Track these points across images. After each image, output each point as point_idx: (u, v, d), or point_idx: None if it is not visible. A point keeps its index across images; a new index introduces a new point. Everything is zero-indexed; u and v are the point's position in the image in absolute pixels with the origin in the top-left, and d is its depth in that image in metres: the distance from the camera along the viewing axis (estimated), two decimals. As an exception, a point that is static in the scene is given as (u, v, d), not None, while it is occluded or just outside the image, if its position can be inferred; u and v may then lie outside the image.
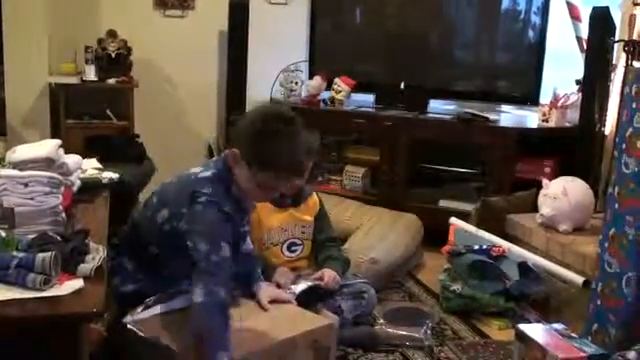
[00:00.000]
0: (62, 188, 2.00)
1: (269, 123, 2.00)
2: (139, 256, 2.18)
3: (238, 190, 2.06)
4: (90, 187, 2.38)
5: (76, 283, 1.62)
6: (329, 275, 2.64)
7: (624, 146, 2.40)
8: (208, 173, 2.05)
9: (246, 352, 1.87)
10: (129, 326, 1.91)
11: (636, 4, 3.36)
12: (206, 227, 1.96)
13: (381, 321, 2.76)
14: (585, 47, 3.76)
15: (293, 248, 2.79)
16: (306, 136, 2.10)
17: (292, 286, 2.55)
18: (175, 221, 2.05)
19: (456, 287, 3.02)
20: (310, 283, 2.59)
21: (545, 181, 3.28)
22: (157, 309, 2.01)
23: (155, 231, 2.12)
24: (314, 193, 2.90)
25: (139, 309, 1.99)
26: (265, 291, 2.25)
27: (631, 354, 2.19)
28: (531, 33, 3.99)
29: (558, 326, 2.43)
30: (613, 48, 3.49)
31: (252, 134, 1.99)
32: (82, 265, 1.67)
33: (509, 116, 4.19)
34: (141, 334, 1.89)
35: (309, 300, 2.58)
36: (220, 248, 1.94)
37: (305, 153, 2.11)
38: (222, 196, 2.01)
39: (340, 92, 4.20)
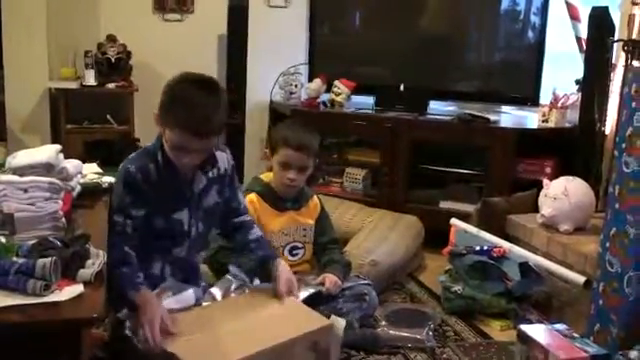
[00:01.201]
0: (62, 193, 2.00)
1: (181, 84, 2.10)
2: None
3: (164, 159, 2.12)
4: (90, 192, 2.39)
5: (76, 288, 1.62)
6: (330, 280, 2.64)
7: (624, 145, 2.40)
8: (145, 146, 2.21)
9: (243, 356, 1.86)
10: (127, 332, 1.90)
11: (635, 4, 3.36)
12: (115, 189, 2.10)
13: (383, 323, 2.76)
14: (584, 47, 3.76)
15: (294, 252, 2.79)
16: (212, 103, 2.09)
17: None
18: None
19: (457, 288, 3.02)
20: (312, 290, 2.59)
21: (546, 181, 3.28)
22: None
23: None
24: (314, 196, 2.89)
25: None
26: (284, 280, 2.26)
27: (633, 353, 2.19)
28: (531, 33, 3.99)
29: (560, 326, 2.43)
30: (612, 48, 3.49)
31: (165, 98, 2.08)
32: (82, 270, 1.67)
33: (509, 117, 4.19)
34: (139, 345, 1.88)
35: (312, 304, 2.58)
36: (117, 211, 2.06)
37: (203, 115, 2.05)
38: (141, 159, 2.12)
39: (340, 94, 4.20)
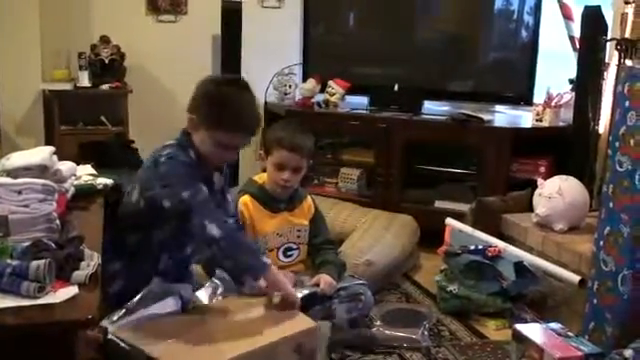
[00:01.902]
0: (56, 195, 1.99)
1: (222, 91, 2.23)
2: (121, 252, 2.23)
3: (196, 155, 2.21)
4: (85, 193, 2.37)
5: (71, 290, 1.61)
6: (325, 281, 2.64)
7: (618, 144, 2.41)
8: (167, 143, 2.24)
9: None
10: (109, 336, 1.90)
11: (627, 2, 3.37)
12: (177, 177, 2.11)
13: (378, 323, 2.76)
14: (578, 46, 3.77)
15: (289, 253, 2.79)
16: (253, 101, 2.30)
17: None
18: (146, 191, 2.19)
19: (452, 288, 3.03)
20: (306, 291, 2.58)
21: (540, 180, 3.29)
22: (138, 314, 2.00)
23: (130, 214, 2.26)
24: (308, 196, 2.89)
25: (118, 314, 1.99)
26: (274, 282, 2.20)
27: (628, 352, 2.19)
28: (524, 33, 4.00)
29: (555, 325, 2.44)
30: (605, 47, 3.50)
31: (209, 103, 2.20)
32: (77, 272, 1.67)
33: (503, 116, 4.19)
34: (122, 345, 1.88)
35: (306, 305, 2.58)
36: (200, 189, 2.09)
37: (253, 114, 2.27)
38: (182, 155, 2.18)
39: (334, 94, 4.20)
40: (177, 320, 2.02)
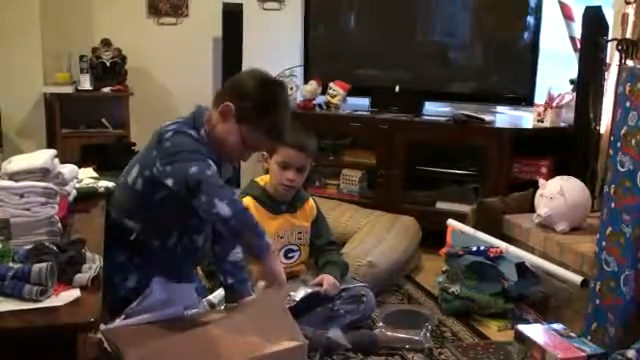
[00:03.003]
0: (58, 198, 1.99)
1: (272, 92, 2.16)
2: (124, 244, 2.17)
3: (208, 138, 2.12)
4: (86, 196, 2.38)
5: (73, 293, 1.61)
6: (328, 281, 2.64)
7: (619, 144, 2.41)
8: (173, 120, 2.16)
9: None
10: (98, 335, 1.89)
11: (628, 2, 3.37)
12: (185, 152, 2.02)
13: (380, 324, 2.76)
14: (579, 46, 3.77)
15: (290, 255, 2.79)
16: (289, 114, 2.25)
17: (292, 293, 2.55)
18: (146, 170, 2.11)
19: (454, 289, 3.02)
20: (309, 290, 2.59)
21: (541, 181, 3.29)
22: (138, 319, 1.99)
23: (128, 199, 2.19)
24: (310, 198, 2.90)
25: (119, 319, 1.99)
26: (271, 266, 2.10)
27: (630, 352, 2.20)
28: (525, 33, 3.99)
29: (557, 326, 2.44)
30: (606, 47, 3.50)
31: (256, 99, 2.10)
32: (78, 275, 1.67)
33: (504, 117, 4.19)
34: (105, 345, 1.87)
35: (308, 305, 2.59)
36: (209, 164, 2.01)
37: (287, 127, 2.23)
38: (190, 131, 2.10)
39: (335, 96, 4.20)
40: (169, 327, 1.99)
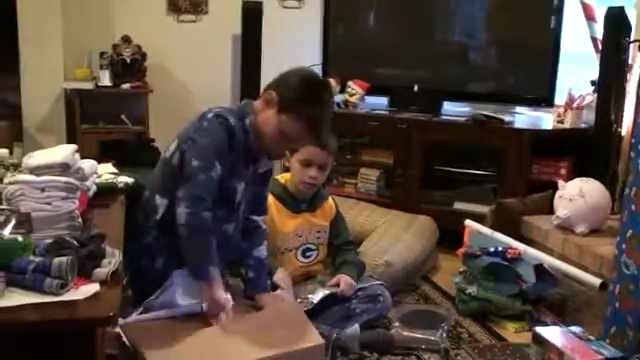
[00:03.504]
0: (78, 193, 2.01)
1: (317, 87, 2.17)
2: (152, 224, 2.21)
3: (251, 128, 2.15)
4: (106, 192, 2.39)
5: (92, 287, 1.62)
6: (345, 282, 2.64)
7: (640, 147, 2.38)
8: (224, 106, 2.22)
9: None
10: (117, 329, 1.91)
11: (651, 4, 3.34)
12: (205, 140, 2.07)
13: (396, 324, 2.75)
14: (600, 48, 3.74)
15: (308, 254, 2.79)
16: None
17: (309, 295, 2.56)
18: (184, 144, 2.14)
19: (471, 289, 3.01)
20: (327, 292, 2.59)
21: (561, 182, 3.26)
22: (153, 315, 2.00)
23: (164, 172, 2.21)
24: (330, 198, 2.90)
25: (137, 311, 1.99)
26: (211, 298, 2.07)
27: (650, 356, 2.17)
28: (546, 34, 3.96)
29: (575, 329, 2.42)
30: (629, 48, 3.47)
31: (300, 90, 2.12)
32: (98, 269, 1.68)
33: (524, 117, 4.17)
34: (124, 339, 1.88)
35: (326, 305, 2.58)
36: (212, 166, 2.05)
37: (329, 129, 2.26)
38: (233, 117, 2.13)
39: (354, 95, 4.20)
40: (187, 323, 1.99)
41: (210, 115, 2.12)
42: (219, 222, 2.17)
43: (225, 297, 2.05)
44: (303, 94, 2.12)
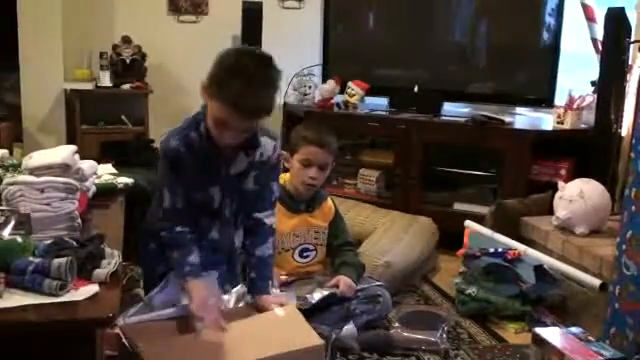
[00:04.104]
0: (78, 194, 2.01)
1: (232, 60, 1.98)
2: (155, 232, 2.21)
3: (205, 129, 2.07)
4: (105, 192, 2.39)
5: (92, 288, 1.63)
6: (345, 282, 2.64)
7: (641, 147, 2.38)
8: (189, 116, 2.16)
9: None
10: (117, 330, 1.91)
11: (652, 4, 3.34)
12: (159, 164, 2.15)
13: (396, 325, 2.75)
14: (600, 48, 3.74)
15: (305, 254, 2.79)
16: (267, 83, 2.00)
17: (307, 295, 2.55)
18: None
19: (471, 290, 3.01)
20: (326, 292, 2.59)
21: (561, 183, 3.26)
22: (153, 315, 2.00)
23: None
24: (329, 198, 2.89)
25: (135, 308, 2.00)
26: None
27: (650, 358, 2.17)
28: (546, 35, 3.97)
29: (575, 330, 2.42)
30: (629, 49, 3.46)
31: (215, 69, 1.98)
32: (97, 270, 1.68)
33: (524, 118, 4.17)
34: (122, 340, 1.88)
35: (325, 305, 2.58)
36: (162, 198, 2.10)
37: (256, 94, 1.96)
38: (183, 131, 2.10)
39: (354, 95, 4.20)
40: (186, 324, 1.98)
41: (163, 137, 2.14)
42: (204, 231, 2.20)
43: (203, 307, 2.00)
44: (217, 71, 1.97)
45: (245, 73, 1.94)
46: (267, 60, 2.01)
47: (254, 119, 2.02)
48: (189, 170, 2.09)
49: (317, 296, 2.55)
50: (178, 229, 2.09)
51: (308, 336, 2.04)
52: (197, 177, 2.11)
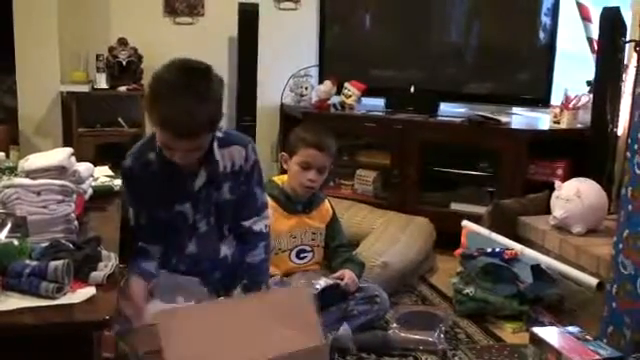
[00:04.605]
0: (74, 196, 2.01)
1: (160, 73, 1.96)
2: None
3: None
4: (102, 195, 2.39)
5: (88, 291, 1.62)
6: (349, 276, 2.65)
7: (636, 147, 2.38)
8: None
9: None
10: (113, 333, 1.91)
11: (647, 3, 3.35)
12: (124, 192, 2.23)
13: (394, 325, 2.75)
14: (596, 48, 3.74)
15: (302, 255, 2.79)
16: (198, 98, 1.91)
17: (313, 281, 2.55)
18: None
19: (469, 290, 3.01)
20: (331, 281, 2.59)
21: (558, 183, 3.27)
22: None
23: None
24: (326, 200, 2.90)
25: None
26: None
27: (647, 356, 2.17)
28: (542, 34, 3.97)
29: (573, 329, 2.42)
30: (624, 48, 3.47)
31: (148, 86, 1.98)
32: (94, 273, 1.68)
33: (520, 118, 4.17)
34: (120, 343, 1.88)
35: (324, 302, 2.58)
36: (127, 204, 2.20)
37: (185, 112, 1.88)
38: (140, 150, 2.15)
39: (350, 96, 4.20)
40: (192, 311, 1.99)
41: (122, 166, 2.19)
42: (181, 247, 2.24)
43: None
44: (147, 93, 1.98)
45: (167, 94, 1.89)
46: (199, 73, 1.96)
47: (190, 139, 1.95)
48: (148, 189, 2.12)
49: (322, 283, 2.55)
50: (140, 244, 2.17)
51: (312, 336, 2.03)
52: (160, 196, 2.13)
